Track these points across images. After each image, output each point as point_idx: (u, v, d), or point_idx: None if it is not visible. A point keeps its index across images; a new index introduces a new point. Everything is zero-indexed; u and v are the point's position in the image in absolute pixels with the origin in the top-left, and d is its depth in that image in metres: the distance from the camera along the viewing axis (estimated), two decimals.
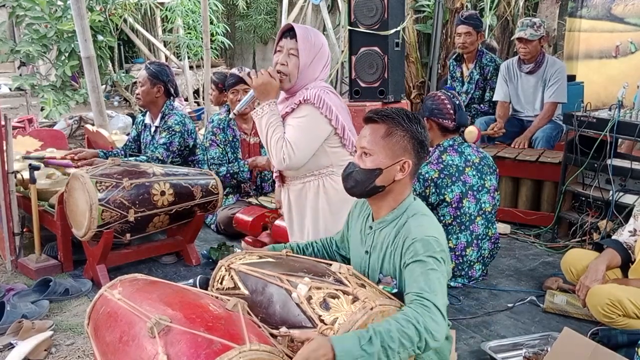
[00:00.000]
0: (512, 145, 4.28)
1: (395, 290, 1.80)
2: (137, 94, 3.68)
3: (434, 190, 2.83)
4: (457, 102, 2.92)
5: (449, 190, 2.83)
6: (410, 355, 1.54)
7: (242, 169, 3.75)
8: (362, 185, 1.85)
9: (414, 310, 1.55)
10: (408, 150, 1.83)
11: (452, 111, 2.88)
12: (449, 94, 2.96)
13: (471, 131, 4.25)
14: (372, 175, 1.82)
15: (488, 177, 2.94)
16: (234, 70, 3.87)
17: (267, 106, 2.32)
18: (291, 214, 2.54)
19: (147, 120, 3.77)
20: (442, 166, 2.85)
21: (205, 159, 3.85)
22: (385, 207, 1.89)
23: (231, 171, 3.74)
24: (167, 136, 3.57)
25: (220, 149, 3.82)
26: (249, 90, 3.73)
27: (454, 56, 4.97)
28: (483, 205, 2.90)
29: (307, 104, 2.32)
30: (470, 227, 2.88)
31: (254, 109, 2.38)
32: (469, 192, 2.86)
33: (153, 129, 3.70)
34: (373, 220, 1.94)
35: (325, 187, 2.40)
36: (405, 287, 1.70)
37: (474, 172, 2.89)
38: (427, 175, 2.83)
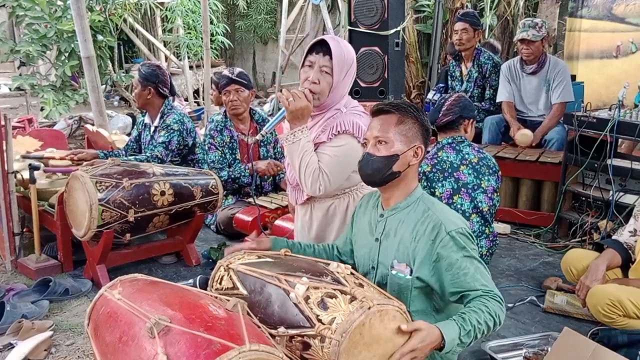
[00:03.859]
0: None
1: (408, 277, 1.85)
2: (133, 97, 3.71)
3: (425, 183, 2.87)
4: None
5: (440, 184, 2.86)
6: None
7: (243, 174, 3.73)
8: (380, 172, 1.90)
9: (491, 304, 1.72)
10: (419, 137, 1.92)
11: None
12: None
13: (526, 134, 4.20)
14: (390, 162, 1.88)
15: (486, 178, 2.92)
16: (225, 72, 3.85)
17: (299, 132, 2.18)
18: (311, 229, 2.44)
19: (147, 120, 3.78)
20: (435, 161, 2.89)
21: (205, 159, 3.85)
22: (397, 195, 1.95)
23: (232, 176, 3.72)
24: (166, 135, 3.58)
25: (219, 152, 3.81)
26: (241, 91, 3.76)
27: (452, 56, 4.97)
28: (479, 204, 2.89)
29: (346, 134, 2.23)
30: None
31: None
32: (462, 189, 2.87)
33: (152, 128, 3.71)
34: (383, 209, 1.98)
35: (355, 201, 2.32)
36: (456, 278, 1.79)
37: (470, 171, 2.90)
38: (419, 169, 2.84)
